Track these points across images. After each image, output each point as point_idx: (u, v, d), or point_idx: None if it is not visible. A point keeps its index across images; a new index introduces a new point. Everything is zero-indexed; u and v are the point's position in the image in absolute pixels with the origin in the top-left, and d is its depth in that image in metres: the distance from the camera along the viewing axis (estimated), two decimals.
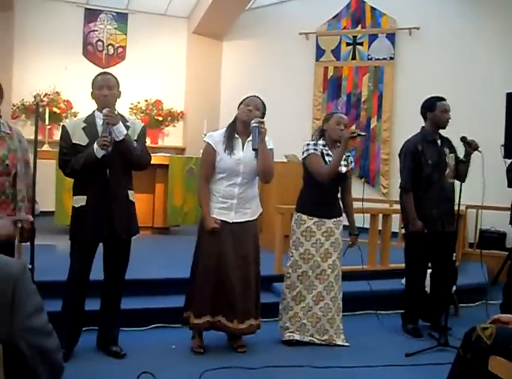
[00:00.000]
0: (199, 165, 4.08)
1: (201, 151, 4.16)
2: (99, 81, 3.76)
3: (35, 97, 4.18)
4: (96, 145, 3.58)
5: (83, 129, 3.70)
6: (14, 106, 9.20)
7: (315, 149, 4.17)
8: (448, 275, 4.61)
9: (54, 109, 9.23)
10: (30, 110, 9.24)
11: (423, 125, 4.66)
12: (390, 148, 8.76)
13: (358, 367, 3.76)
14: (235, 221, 3.93)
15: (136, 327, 4.32)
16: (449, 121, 4.56)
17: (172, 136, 10.34)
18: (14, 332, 1.12)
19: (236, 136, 3.95)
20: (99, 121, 3.71)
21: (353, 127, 4.30)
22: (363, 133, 4.20)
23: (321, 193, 4.19)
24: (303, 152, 4.22)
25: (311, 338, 4.20)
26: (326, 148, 4.21)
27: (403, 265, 5.56)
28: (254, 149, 3.81)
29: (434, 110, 4.54)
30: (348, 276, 4.85)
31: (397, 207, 7.18)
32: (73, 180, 3.87)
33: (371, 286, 5.03)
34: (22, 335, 1.14)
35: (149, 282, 4.86)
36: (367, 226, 5.76)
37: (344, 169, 4.18)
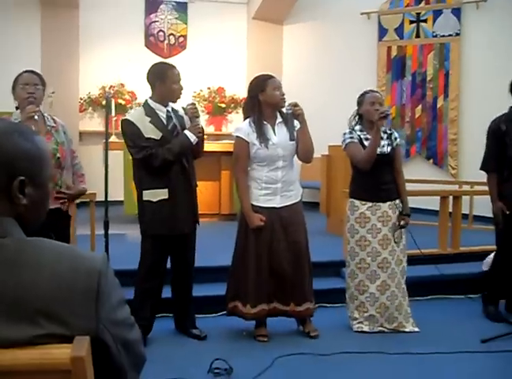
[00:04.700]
0: (234, 160, 3.96)
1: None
2: (177, 75, 3.78)
3: (105, 92, 4.30)
4: (189, 133, 3.70)
5: (151, 123, 3.69)
6: (81, 99, 9.47)
7: (351, 137, 4.06)
8: None
9: (119, 100, 9.43)
10: (97, 102, 9.49)
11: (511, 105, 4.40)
12: (458, 127, 8.49)
13: (430, 354, 3.68)
14: (282, 205, 3.88)
15: (206, 313, 4.39)
16: None
17: (236, 123, 10.34)
18: (100, 326, 1.15)
19: (264, 122, 3.85)
20: (161, 114, 3.76)
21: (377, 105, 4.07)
22: (389, 112, 4.04)
23: (371, 177, 4.04)
24: (342, 143, 4.12)
25: (381, 328, 4.13)
26: (364, 133, 4.07)
27: (474, 248, 5.45)
28: (292, 140, 3.83)
29: None
30: (418, 260, 4.77)
31: (467, 188, 7.05)
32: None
33: (442, 270, 4.94)
34: (107, 329, 1.16)
35: (219, 269, 4.89)
36: (435, 208, 5.65)
37: (388, 149, 4.05)
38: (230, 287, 4.01)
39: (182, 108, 3.89)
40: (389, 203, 4.10)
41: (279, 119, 3.90)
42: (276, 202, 3.88)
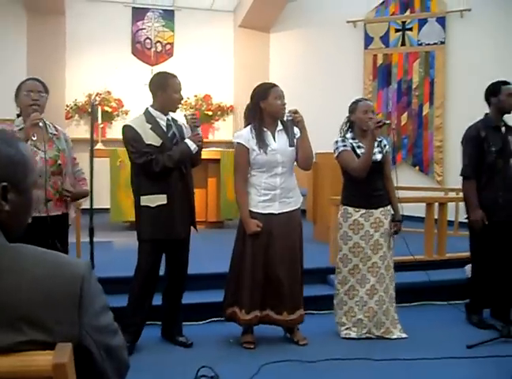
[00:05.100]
0: (234, 166, 3.98)
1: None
2: (178, 85, 3.83)
3: (90, 97, 4.32)
4: (190, 142, 3.76)
5: (151, 130, 3.74)
6: (68, 106, 9.44)
7: (345, 145, 4.07)
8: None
9: (106, 108, 9.42)
10: (83, 110, 9.47)
11: (487, 112, 4.44)
12: (443, 134, 8.57)
13: (417, 360, 3.69)
14: (280, 212, 3.89)
15: (194, 321, 4.37)
16: None
17: (222, 131, 10.39)
18: (82, 332, 1.14)
19: (264, 129, 3.89)
20: (162, 122, 3.80)
21: (371, 114, 4.13)
22: (388, 121, 4.12)
23: (364, 184, 4.06)
24: (334, 151, 4.13)
25: (368, 334, 4.13)
26: (356, 141, 4.10)
27: (460, 254, 5.47)
28: (291, 146, 3.84)
29: (498, 94, 4.32)
30: (404, 266, 4.79)
31: (453, 195, 7.09)
32: (128, 178, 3.93)
33: (429, 276, 4.95)
34: (90, 335, 1.16)
35: (206, 276, 4.89)
36: (422, 215, 5.67)
37: (379, 156, 4.08)
38: (228, 293, 4.01)
39: (184, 116, 3.93)
40: (381, 209, 4.12)
41: (279, 127, 3.93)
42: (275, 208, 3.89)
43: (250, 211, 3.88)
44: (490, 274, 4.41)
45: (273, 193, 3.88)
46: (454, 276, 5.16)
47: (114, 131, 9.27)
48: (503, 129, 4.41)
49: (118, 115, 9.65)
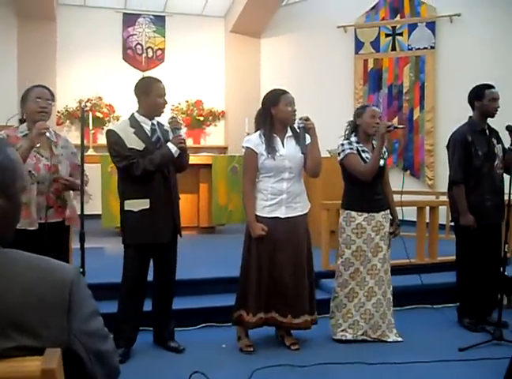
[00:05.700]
0: (243, 170, 4.03)
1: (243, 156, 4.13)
2: (161, 89, 3.81)
3: (80, 102, 4.30)
4: (171, 145, 3.74)
5: (134, 134, 3.74)
6: (59, 112, 9.42)
7: (351, 148, 4.10)
8: (498, 268, 4.47)
9: (97, 114, 9.40)
10: (74, 115, 9.45)
11: (470, 115, 4.48)
12: (434, 139, 8.60)
13: (410, 363, 3.69)
14: (287, 216, 3.90)
15: (186, 326, 4.35)
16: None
17: (214, 136, 10.40)
18: (72, 337, 1.14)
19: (274, 135, 3.91)
20: (146, 127, 3.80)
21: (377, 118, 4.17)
22: (401, 126, 4.14)
23: (366, 188, 4.10)
24: (339, 153, 4.15)
25: (364, 336, 4.13)
26: (361, 145, 4.13)
27: (452, 258, 5.47)
28: (303, 153, 3.85)
29: (482, 98, 4.35)
30: (397, 270, 4.80)
31: (444, 199, 7.09)
32: (115, 183, 3.92)
33: (421, 279, 4.97)
34: (79, 340, 1.15)
35: (197, 282, 4.89)
36: (413, 219, 5.68)
37: (382, 162, 4.11)
38: (237, 297, 4.01)
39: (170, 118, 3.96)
40: (382, 213, 4.16)
41: (289, 133, 3.95)
42: (281, 213, 3.90)
43: (256, 215, 3.89)
44: (475, 278, 4.43)
45: (280, 198, 3.89)
46: (446, 280, 5.16)
47: None
48: (487, 132, 4.43)
49: (109, 121, 9.64)
